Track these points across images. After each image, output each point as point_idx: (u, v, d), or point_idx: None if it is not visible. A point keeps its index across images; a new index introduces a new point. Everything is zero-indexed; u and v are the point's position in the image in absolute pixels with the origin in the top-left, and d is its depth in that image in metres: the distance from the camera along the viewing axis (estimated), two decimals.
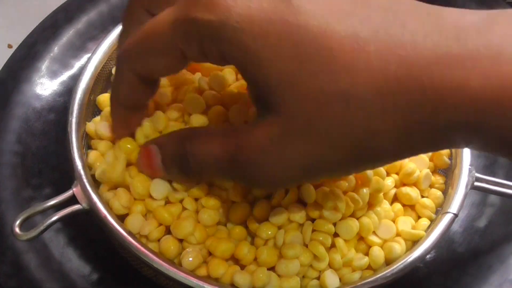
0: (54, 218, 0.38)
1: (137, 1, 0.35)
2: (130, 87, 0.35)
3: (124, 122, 0.39)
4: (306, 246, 0.40)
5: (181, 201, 0.40)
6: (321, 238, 0.40)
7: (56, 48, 0.56)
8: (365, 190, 0.41)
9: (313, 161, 0.29)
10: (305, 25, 0.26)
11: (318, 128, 0.28)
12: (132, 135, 0.39)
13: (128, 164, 0.41)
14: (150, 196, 0.40)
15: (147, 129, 0.39)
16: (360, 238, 0.43)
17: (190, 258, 0.38)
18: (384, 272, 0.40)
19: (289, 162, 0.30)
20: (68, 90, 0.54)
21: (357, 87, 0.26)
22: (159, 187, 0.40)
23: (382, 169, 0.43)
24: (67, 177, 0.41)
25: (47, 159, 0.51)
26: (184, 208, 0.40)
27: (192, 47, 0.30)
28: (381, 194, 0.43)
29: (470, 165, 0.45)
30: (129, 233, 0.38)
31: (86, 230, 0.47)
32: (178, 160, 0.35)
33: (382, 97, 0.26)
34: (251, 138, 0.30)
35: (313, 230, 0.40)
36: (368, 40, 0.26)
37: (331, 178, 0.34)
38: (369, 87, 0.26)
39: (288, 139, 0.29)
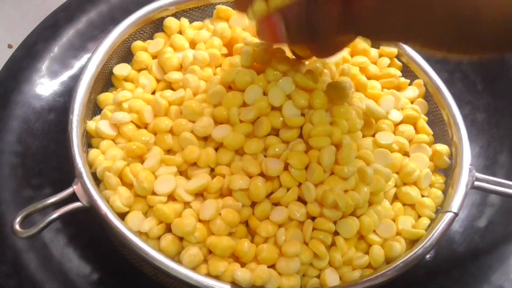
0: (54, 215, 0.38)
1: None
2: None
3: None
4: (306, 244, 0.40)
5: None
6: (321, 237, 0.40)
7: (56, 48, 0.56)
8: (366, 189, 0.41)
9: (413, 32, 0.30)
10: None
11: None
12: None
13: (131, 162, 0.42)
14: (153, 193, 0.40)
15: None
16: (361, 236, 0.43)
17: (191, 256, 0.38)
18: (384, 271, 0.40)
19: (391, 27, 0.31)
20: (68, 90, 0.54)
21: None
22: (164, 184, 0.40)
23: (387, 169, 0.43)
24: (67, 177, 0.41)
25: (47, 159, 0.51)
26: (185, 207, 0.40)
27: None
28: (382, 193, 0.43)
29: (470, 165, 0.45)
30: (130, 230, 0.38)
31: (86, 230, 0.47)
32: (302, 24, 0.35)
33: None
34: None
35: (314, 229, 0.40)
36: None
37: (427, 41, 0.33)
38: None
39: (391, 5, 0.30)
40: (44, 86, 0.54)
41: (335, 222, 0.41)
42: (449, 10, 0.28)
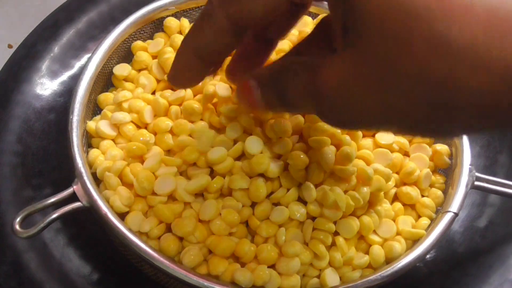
0: (54, 215, 0.38)
1: None
2: (216, 33, 0.31)
3: (189, 72, 0.35)
4: (307, 244, 0.40)
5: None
6: (321, 237, 0.40)
7: (56, 48, 0.56)
8: (366, 189, 0.41)
9: (382, 109, 0.27)
10: None
11: (394, 69, 0.25)
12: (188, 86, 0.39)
13: (131, 162, 0.42)
14: (153, 193, 0.40)
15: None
16: (361, 237, 0.43)
17: (191, 256, 0.38)
18: (384, 271, 0.40)
19: (359, 105, 0.27)
20: (68, 90, 0.54)
21: (452, 32, 0.23)
22: (164, 184, 0.40)
23: (387, 169, 0.43)
24: (67, 177, 0.41)
25: (47, 159, 0.51)
26: (185, 207, 0.40)
27: None
28: (382, 193, 0.43)
29: (471, 164, 0.45)
30: (130, 230, 0.38)
31: (86, 230, 0.48)
32: (275, 94, 0.33)
33: (476, 50, 0.23)
34: (328, 73, 0.28)
35: (314, 229, 0.40)
36: None
37: (401, 130, 0.31)
38: (465, 35, 0.23)
39: (360, 78, 0.26)
40: (44, 86, 0.54)
41: (335, 222, 0.41)
42: (428, 96, 0.25)
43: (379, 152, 0.44)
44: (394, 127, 0.29)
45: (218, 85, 0.43)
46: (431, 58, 0.24)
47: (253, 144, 0.41)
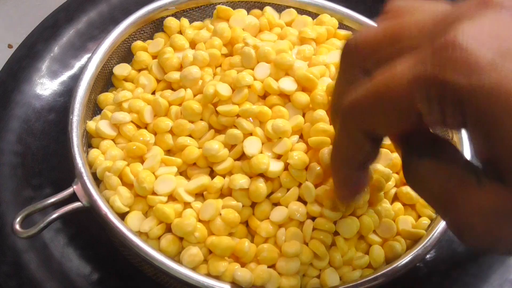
0: (55, 215, 0.38)
1: (351, 61, 0.32)
2: (357, 146, 0.31)
3: (350, 183, 0.35)
4: (307, 244, 0.40)
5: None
6: (321, 237, 0.40)
7: (56, 48, 0.56)
8: (365, 189, 0.41)
9: None
10: None
11: None
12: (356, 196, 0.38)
13: (131, 162, 0.42)
14: (153, 193, 0.40)
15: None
16: (361, 236, 0.42)
17: (191, 256, 0.38)
18: (384, 271, 0.40)
19: (497, 239, 0.27)
20: (68, 90, 0.54)
21: None
22: (164, 184, 0.40)
23: (387, 169, 0.43)
24: (67, 177, 0.41)
25: (47, 159, 0.51)
26: (185, 207, 0.40)
27: (433, 111, 0.26)
28: (382, 193, 0.43)
29: None
30: (130, 230, 0.38)
31: (86, 230, 0.47)
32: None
33: None
34: (477, 201, 0.27)
35: (314, 229, 0.40)
36: None
37: None
38: None
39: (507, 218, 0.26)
40: (44, 86, 0.54)
41: (335, 222, 0.41)
42: None
43: None
44: None
45: (218, 85, 0.42)
46: None
47: (252, 145, 0.41)
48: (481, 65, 0.24)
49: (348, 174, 0.34)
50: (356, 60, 0.31)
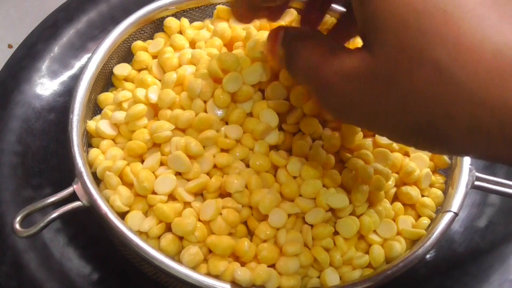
0: (54, 215, 0.38)
1: None
2: None
3: (246, 15, 0.38)
4: (307, 246, 0.40)
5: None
6: (323, 243, 0.40)
7: (56, 48, 0.56)
8: (365, 188, 0.41)
9: (380, 114, 0.28)
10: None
11: (400, 85, 0.26)
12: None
13: (131, 162, 0.42)
14: (154, 193, 0.40)
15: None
16: (361, 236, 0.43)
17: (191, 255, 0.38)
18: (384, 271, 0.40)
19: (361, 103, 0.29)
20: (68, 90, 0.54)
21: (456, 64, 0.25)
22: (164, 183, 0.40)
23: (387, 169, 0.43)
24: (67, 177, 0.41)
25: (47, 159, 0.51)
26: (185, 206, 0.40)
27: None
28: (382, 193, 0.43)
29: (471, 164, 0.45)
30: (130, 230, 0.38)
31: (86, 230, 0.48)
32: (286, 55, 0.35)
33: (476, 85, 0.24)
34: (340, 64, 0.29)
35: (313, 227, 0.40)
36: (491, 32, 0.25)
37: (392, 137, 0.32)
38: (469, 70, 0.24)
39: (371, 80, 0.28)
40: (44, 86, 0.54)
41: (335, 222, 0.41)
42: (423, 115, 0.26)
43: (379, 152, 0.44)
44: (385, 133, 0.30)
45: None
46: (434, 82, 0.25)
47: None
48: None
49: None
50: None
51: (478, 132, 0.25)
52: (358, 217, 0.42)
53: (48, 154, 0.51)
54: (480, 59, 0.24)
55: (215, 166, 0.41)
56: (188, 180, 0.41)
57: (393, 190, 0.45)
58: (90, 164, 0.42)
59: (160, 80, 0.46)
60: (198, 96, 0.42)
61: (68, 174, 0.41)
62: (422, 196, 0.45)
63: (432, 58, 0.25)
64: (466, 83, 0.24)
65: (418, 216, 0.45)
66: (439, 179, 0.47)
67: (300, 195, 0.41)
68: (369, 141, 0.44)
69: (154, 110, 0.44)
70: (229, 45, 0.48)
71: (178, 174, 0.41)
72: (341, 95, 0.29)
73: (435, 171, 0.47)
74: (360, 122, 0.32)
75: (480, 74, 0.24)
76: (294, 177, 0.41)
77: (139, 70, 0.48)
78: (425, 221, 0.44)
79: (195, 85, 0.41)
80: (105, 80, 0.48)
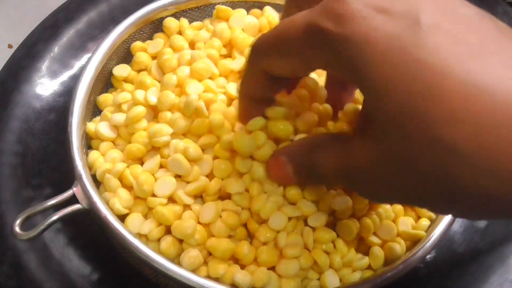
0: (54, 217, 0.38)
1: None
2: (257, 81, 0.36)
3: (249, 113, 0.39)
4: (307, 250, 0.40)
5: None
6: (324, 247, 0.40)
7: (56, 48, 0.56)
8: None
9: (400, 192, 0.30)
10: (424, 61, 0.25)
11: (409, 167, 0.27)
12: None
13: (130, 164, 0.42)
14: (153, 195, 0.40)
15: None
16: (360, 238, 0.42)
17: (191, 258, 0.39)
18: (384, 272, 0.40)
19: (385, 186, 0.30)
20: (68, 90, 0.54)
21: (459, 139, 0.25)
22: (163, 186, 0.40)
23: None
24: (67, 177, 0.41)
25: (47, 159, 0.51)
26: (185, 209, 0.40)
27: (317, 57, 0.30)
28: None
29: None
30: (129, 232, 0.38)
31: (86, 230, 0.48)
32: (306, 169, 0.35)
33: (481, 159, 0.25)
34: (358, 157, 0.30)
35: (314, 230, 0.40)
36: (486, 88, 0.25)
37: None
38: (471, 142, 0.25)
39: (382, 168, 0.29)
40: (44, 86, 0.54)
41: (335, 225, 0.41)
42: (435, 190, 0.27)
43: None
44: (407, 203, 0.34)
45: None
46: (441, 161, 0.26)
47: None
48: (354, 16, 0.27)
49: (248, 103, 0.39)
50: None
51: (494, 201, 0.25)
52: (358, 219, 0.42)
53: (48, 154, 0.51)
54: (479, 124, 0.24)
55: None
56: (188, 182, 0.41)
57: None
58: (89, 167, 0.42)
59: (159, 82, 0.46)
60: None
61: (68, 174, 0.41)
62: None
63: (435, 139, 0.25)
64: (473, 155, 0.25)
65: (418, 218, 0.45)
66: None
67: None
68: None
69: (154, 112, 0.44)
70: (228, 45, 0.47)
71: (177, 176, 0.41)
72: (371, 183, 0.31)
73: None
74: (392, 201, 0.36)
75: (482, 141, 0.24)
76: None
77: (139, 71, 0.48)
78: (425, 222, 0.44)
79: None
80: (105, 81, 0.48)
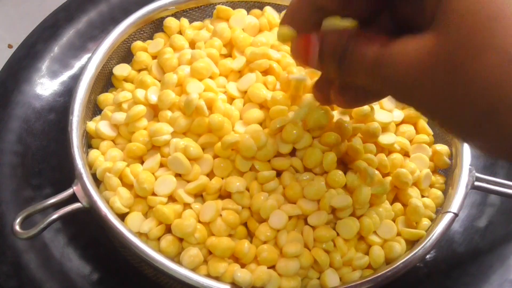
0: (54, 216, 0.38)
1: None
2: (307, 6, 0.35)
3: (300, 14, 0.36)
4: (308, 249, 0.40)
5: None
6: (324, 246, 0.40)
7: (56, 48, 0.56)
8: (367, 190, 0.41)
9: (438, 104, 0.28)
10: None
11: (463, 71, 0.26)
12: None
13: (131, 163, 0.42)
14: (153, 194, 0.40)
15: None
16: (360, 237, 0.42)
17: (191, 257, 0.38)
18: (384, 272, 0.40)
19: (427, 88, 0.28)
20: (68, 90, 0.54)
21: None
22: (164, 185, 0.40)
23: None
24: (67, 177, 0.41)
25: (47, 159, 0.51)
26: (185, 208, 0.40)
27: None
28: (384, 195, 0.43)
29: (470, 165, 0.45)
30: (130, 231, 0.38)
31: (86, 230, 0.48)
32: (337, 54, 0.33)
33: None
34: (402, 51, 0.29)
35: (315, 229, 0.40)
36: None
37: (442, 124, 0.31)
38: None
39: (437, 64, 0.27)
40: (44, 86, 0.54)
41: (335, 224, 0.41)
42: (480, 103, 0.26)
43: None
44: (444, 121, 0.30)
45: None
46: (501, 69, 0.25)
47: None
48: None
49: (299, 37, 0.35)
50: None
51: None
52: (358, 218, 0.42)
53: (48, 154, 0.51)
54: None
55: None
56: (188, 181, 0.41)
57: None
58: (90, 165, 0.42)
59: (159, 81, 0.46)
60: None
61: (68, 174, 0.41)
62: (422, 196, 0.45)
63: (501, 45, 0.25)
64: None
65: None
66: (439, 179, 0.47)
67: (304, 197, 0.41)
68: (372, 146, 0.44)
69: (154, 111, 0.44)
70: (228, 45, 0.47)
71: (178, 175, 0.41)
72: (406, 80, 0.29)
73: (435, 171, 0.47)
74: (421, 107, 0.31)
75: None
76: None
77: (139, 71, 0.48)
78: (425, 222, 0.44)
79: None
80: (105, 81, 0.48)
